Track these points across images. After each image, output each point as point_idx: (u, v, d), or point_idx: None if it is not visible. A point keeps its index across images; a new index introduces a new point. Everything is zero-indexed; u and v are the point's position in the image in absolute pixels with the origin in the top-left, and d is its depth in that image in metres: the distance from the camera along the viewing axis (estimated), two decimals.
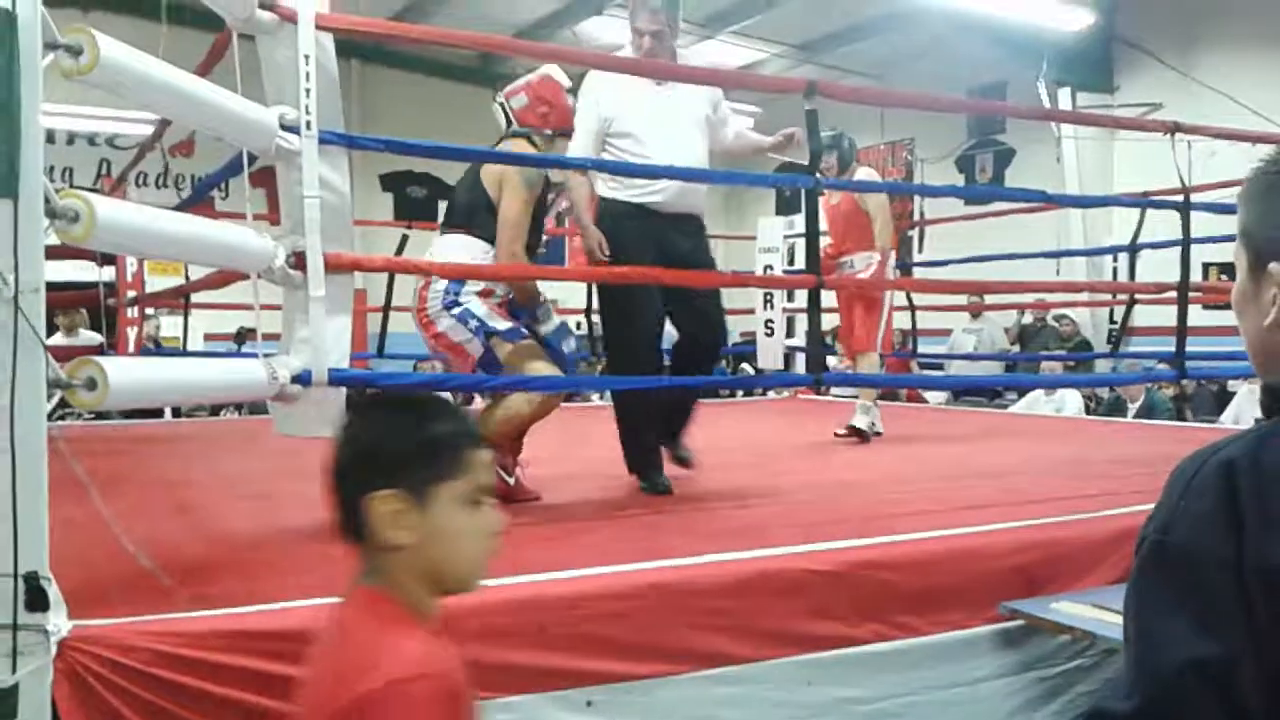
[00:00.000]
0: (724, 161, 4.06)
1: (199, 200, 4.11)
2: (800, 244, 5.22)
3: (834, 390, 8.11)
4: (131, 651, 1.71)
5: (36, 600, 1.63)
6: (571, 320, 13.33)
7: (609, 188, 3.62)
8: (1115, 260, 8.22)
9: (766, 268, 6.75)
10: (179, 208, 3.68)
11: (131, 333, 5.96)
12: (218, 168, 3.14)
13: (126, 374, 1.90)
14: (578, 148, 3.52)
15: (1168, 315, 4.25)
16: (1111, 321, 9.30)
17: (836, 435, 5.14)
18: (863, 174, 5.61)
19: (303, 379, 2.42)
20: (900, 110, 11.44)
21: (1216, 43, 9.82)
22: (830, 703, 2.28)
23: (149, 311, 7.67)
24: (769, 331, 6.63)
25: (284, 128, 2.39)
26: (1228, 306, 1.02)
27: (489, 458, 1.29)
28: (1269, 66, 9.27)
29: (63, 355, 1.80)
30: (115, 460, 4.29)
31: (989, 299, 8.95)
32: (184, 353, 6.77)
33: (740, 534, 2.63)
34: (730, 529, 2.75)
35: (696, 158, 3.55)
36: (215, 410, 7.71)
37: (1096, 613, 2.33)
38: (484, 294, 3.18)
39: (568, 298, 11.42)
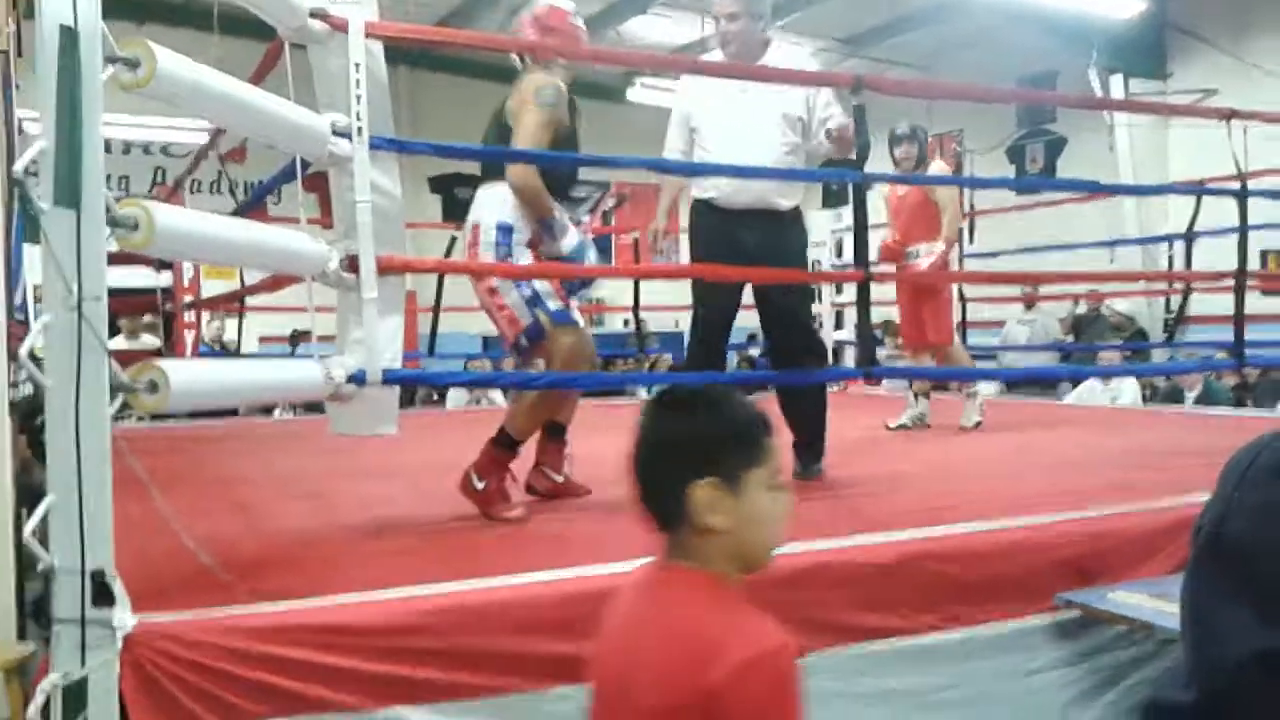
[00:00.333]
0: None
1: (254, 206, 4.18)
2: (848, 237, 5.19)
3: (885, 383, 8.07)
4: (194, 645, 1.75)
5: (103, 596, 1.68)
6: (618, 318, 13.32)
7: (697, 187, 3.75)
8: (1170, 249, 8.08)
9: (814, 261, 6.72)
10: (234, 213, 3.74)
11: (189, 336, 6.07)
12: (269, 174, 3.20)
13: (187, 376, 1.95)
14: (668, 142, 3.78)
15: (1224, 304, 4.18)
16: (1168, 311, 9.16)
17: (888, 428, 5.13)
18: (935, 168, 5.63)
19: (357, 379, 2.46)
20: (949, 101, 11.35)
21: (1271, 26, 9.62)
22: (884, 694, 2.28)
23: (213, 315, 7.82)
24: (818, 326, 6.61)
25: (336, 134, 2.42)
26: None
27: (779, 443, 1.38)
28: None
29: (124, 359, 1.84)
30: (173, 459, 4.38)
31: (1043, 290, 8.84)
32: (239, 354, 6.89)
33: (794, 526, 2.62)
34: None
35: (760, 155, 3.53)
36: (267, 410, 7.84)
37: (1153, 602, 2.30)
38: (531, 245, 3.12)
39: (616, 296, 11.49)
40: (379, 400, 2.57)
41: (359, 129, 2.42)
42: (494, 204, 3.08)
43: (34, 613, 2.46)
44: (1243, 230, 4.06)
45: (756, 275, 3.50)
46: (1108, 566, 2.55)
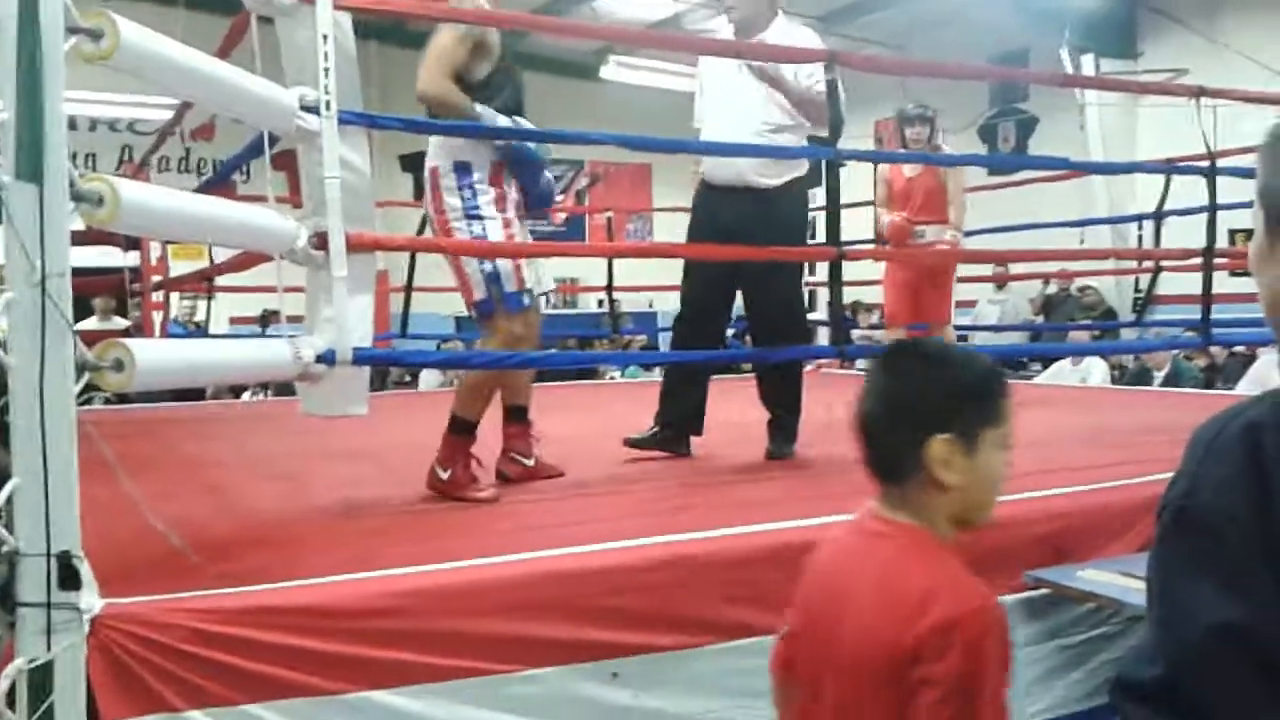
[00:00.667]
0: None
1: (221, 183, 4.13)
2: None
3: (860, 364, 8.10)
4: (162, 628, 1.74)
5: (69, 578, 1.66)
6: (593, 298, 13.29)
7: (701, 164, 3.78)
8: (1140, 228, 8.14)
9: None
10: (200, 190, 3.69)
11: (157, 316, 6.01)
12: (238, 151, 3.16)
13: (153, 355, 1.93)
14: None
15: (1194, 283, 4.21)
16: (1137, 290, 9.23)
17: None
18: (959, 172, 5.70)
19: (327, 358, 2.43)
20: (922, 80, 11.35)
21: (1242, 6, 9.68)
22: None
23: (181, 297, 7.74)
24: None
25: (304, 108, 2.39)
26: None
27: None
28: None
29: (94, 339, 1.82)
30: (143, 443, 4.33)
31: (1013, 269, 8.89)
32: (207, 334, 6.83)
33: (766, 506, 2.63)
34: (757, 500, 2.76)
35: (740, 132, 3.54)
36: (237, 392, 7.79)
37: (1122, 580, 2.32)
38: (495, 184, 3.04)
39: (590, 276, 11.45)
40: (349, 380, 2.55)
41: (327, 103, 2.39)
42: (447, 145, 3.03)
43: None
44: (1211, 209, 4.09)
45: (726, 252, 3.49)
46: (1077, 545, 2.57)
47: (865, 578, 1.33)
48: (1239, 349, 7.70)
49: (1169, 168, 5.01)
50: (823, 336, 7.04)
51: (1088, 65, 10.12)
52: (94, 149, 11.60)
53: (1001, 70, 11.00)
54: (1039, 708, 2.46)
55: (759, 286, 3.64)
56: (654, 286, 8.23)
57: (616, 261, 7.49)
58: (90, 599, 1.70)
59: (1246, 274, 1.01)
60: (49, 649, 1.65)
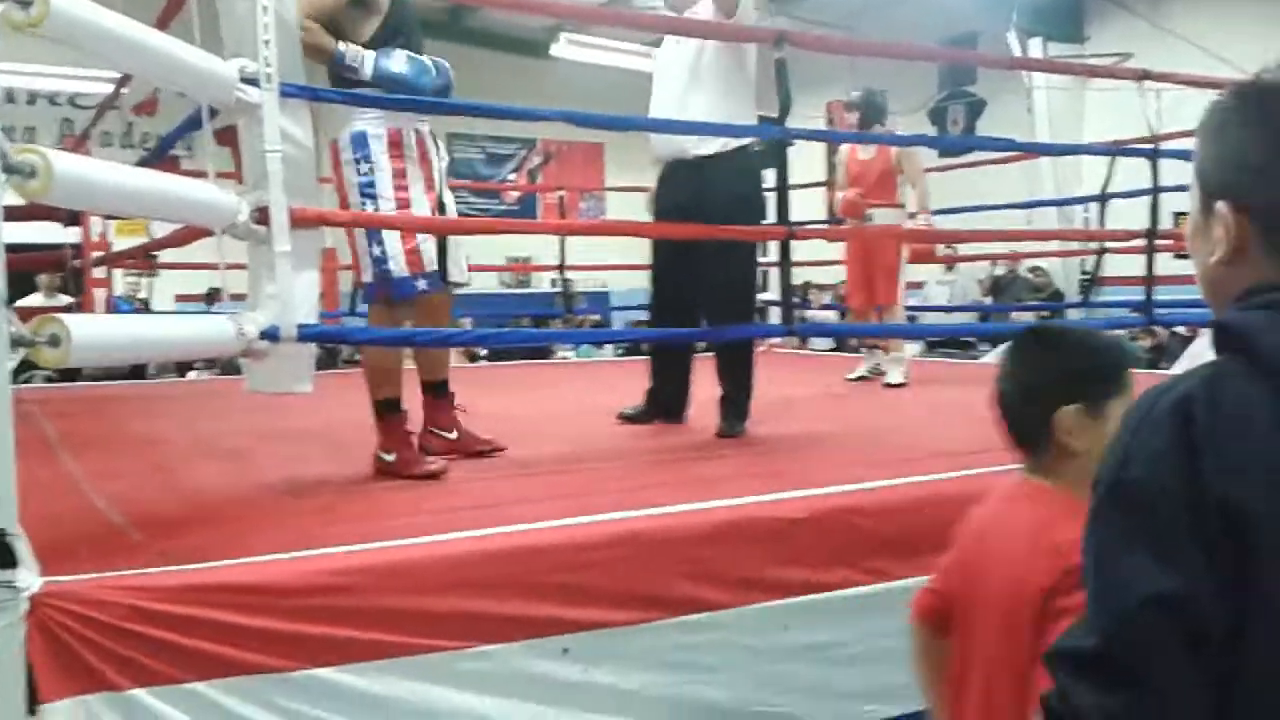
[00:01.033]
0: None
1: (162, 157, 4.05)
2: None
3: (812, 343, 8.16)
4: (103, 606, 1.71)
5: (5, 557, 1.63)
6: (545, 277, 13.27)
7: None
8: (1086, 210, 8.25)
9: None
10: (141, 164, 3.62)
11: (100, 294, 5.90)
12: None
13: (90, 330, 1.89)
14: None
15: (1139, 265, 4.28)
16: (1084, 272, 9.36)
17: (847, 379, 5.56)
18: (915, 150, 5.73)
19: (271, 334, 2.40)
20: (871, 62, 11.37)
21: None
22: (806, 647, 2.31)
23: (126, 274, 7.61)
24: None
25: (244, 80, 2.35)
26: None
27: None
28: (1239, 16, 9.28)
29: (37, 315, 1.78)
30: (86, 421, 4.26)
31: (962, 250, 8.99)
32: (149, 311, 6.73)
33: (714, 483, 2.64)
34: (704, 478, 2.77)
35: (681, 107, 3.56)
36: (182, 370, 7.68)
37: None
38: (395, 157, 2.89)
39: (542, 255, 11.40)
40: (294, 357, 2.52)
41: (268, 75, 2.35)
42: (344, 115, 2.88)
43: None
44: (1154, 191, 4.15)
45: (676, 230, 3.49)
46: None
47: (1017, 534, 1.49)
48: (1180, 330, 7.84)
49: (1113, 150, 5.08)
50: (775, 316, 7.06)
51: (1035, 49, 10.23)
52: (33, 123, 11.36)
53: (950, 52, 11.10)
54: None
55: (705, 262, 3.60)
56: (607, 266, 8.22)
57: (570, 241, 7.46)
58: (28, 577, 1.67)
59: (1189, 256, 1.03)
60: None
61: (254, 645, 1.80)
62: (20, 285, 6.50)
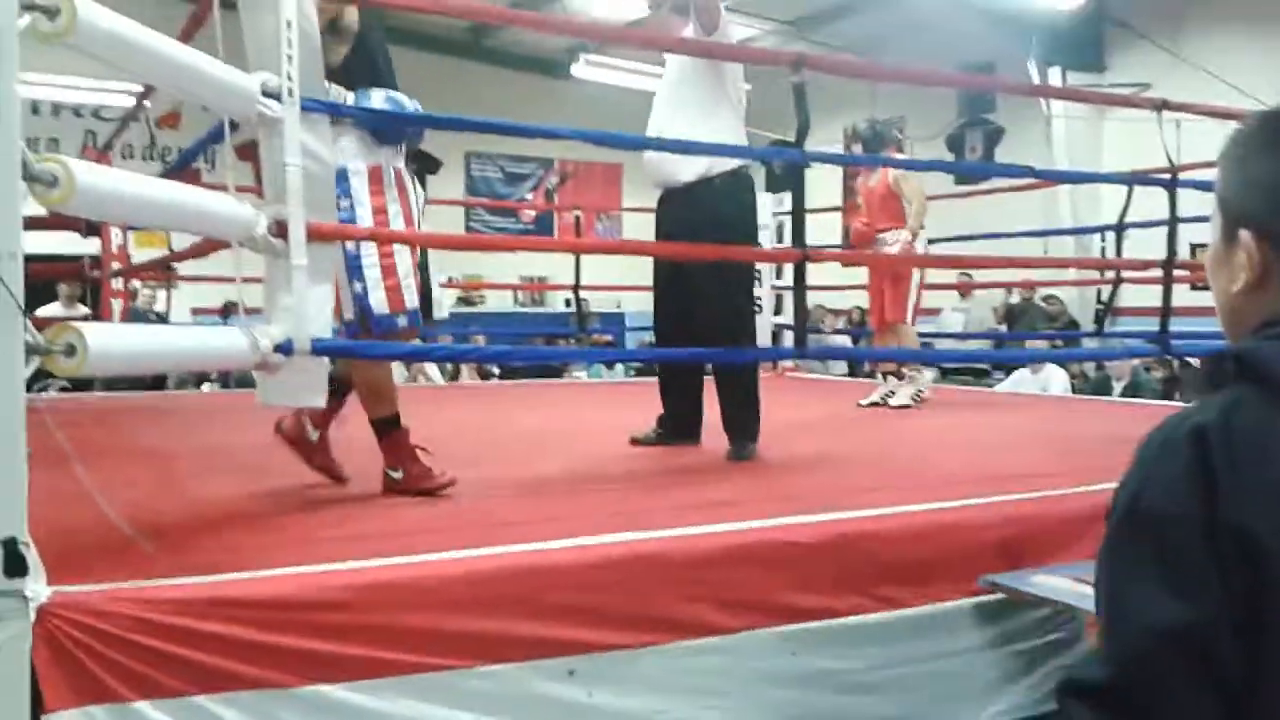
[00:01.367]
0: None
1: (182, 168, 4.08)
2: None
3: (830, 368, 8.15)
4: (111, 617, 1.70)
5: (14, 565, 1.62)
6: (560, 297, 13.29)
7: None
8: (1103, 239, 8.24)
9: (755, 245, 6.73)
10: (163, 177, 3.64)
11: (117, 304, 5.93)
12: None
13: (106, 340, 1.89)
14: None
15: (1156, 296, 4.27)
16: (1099, 302, 9.33)
17: (859, 405, 5.60)
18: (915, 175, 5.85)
19: (285, 348, 2.40)
20: (891, 88, 11.41)
21: (1206, 23, 9.82)
22: (813, 674, 2.29)
23: (143, 285, 7.66)
24: (757, 309, 6.63)
25: (266, 94, 2.36)
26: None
27: None
28: (1258, 47, 9.27)
29: (55, 324, 1.78)
30: (100, 431, 4.28)
31: (977, 277, 8.98)
32: (166, 323, 6.76)
33: (723, 506, 2.63)
34: (713, 501, 2.76)
35: (665, 128, 3.58)
36: (198, 382, 7.71)
37: (1076, 585, 2.34)
38: (375, 194, 2.82)
39: (555, 273, 11.42)
40: (308, 370, 2.52)
41: (289, 90, 2.36)
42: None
43: None
44: (1172, 221, 4.14)
45: (690, 250, 3.49)
46: (1032, 550, 2.58)
47: None
48: (1194, 362, 7.80)
49: (1131, 178, 5.06)
50: (789, 339, 7.06)
51: (1054, 78, 10.24)
52: (57, 134, 11.46)
53: (969, 78, 11.10)
54: (995, 710, 2.48)
55: (696, 285, 3.64)
56: (620, 286, 8.22)
57: (585, 261, 7.48)
58: (37, 586, 1.66)
59: (1207, 287, 1.02)
60: None
61: (260, 660, 1.80)
62: (40, 294, 6.55)
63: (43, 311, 6.59)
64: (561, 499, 2.89)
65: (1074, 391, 7.72)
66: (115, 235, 6.00)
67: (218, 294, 8.92)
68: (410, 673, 1.91)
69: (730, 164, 3.61)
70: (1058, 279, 8.44)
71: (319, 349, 2.48)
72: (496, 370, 8.85)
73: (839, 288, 6.75)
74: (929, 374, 7.19)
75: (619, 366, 10.13)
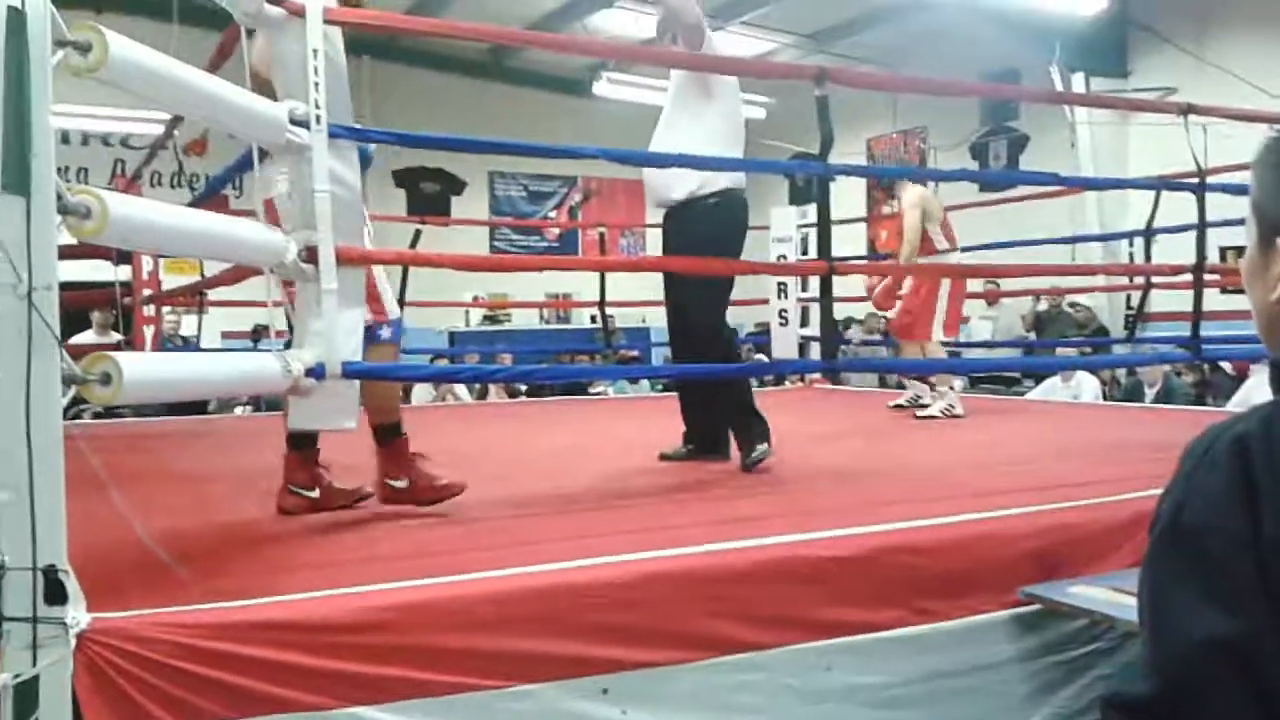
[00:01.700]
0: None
1: (211, 196, 4.12)
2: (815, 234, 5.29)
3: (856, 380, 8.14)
4: (150, 643, 1.72)
5: (55, 593, 1.64)
6: (585, 313, 13.29)
7: None
8: (1131, 245, 8.17)
9: (780, 257, 6.74)
10: (192, 204, 3.68)
11: (148, 331, 5.99)
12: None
13: (141, 369, 1.91)
14: None
15: (1185, 301, 4.23)
16: (1129, 308, 9.26)
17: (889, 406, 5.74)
18: (913, 195, 5.87)
19: (316, 372, 2.42)
20: (913, 98, 11.40)
21: (1231, 26, 9.75)
22: (849, 688, 2.28)
23: (168, 310, 7.73)
24: (783, 321, 6.62)
25: (294, 122, 2.39)
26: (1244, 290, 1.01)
27: None
28: None
29: (88, 352, 1.81)
30: (134, 457, 4.31)
31: (1005, 285, 8.93)
32: (198, 348, 6.83)
33: (757, 521, 2.63)
34: (746, 516, 2.75)
35: (660, 149, 3.63)
36: (228, 406, 7.78)
37: (1114, 596, 2.32)
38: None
39: (580, 290, 11.45)
40: (339, 394, 2.54)
41: (317, 117, 2.39)
42: (282, 172, 2.67)
43: None
44: (1201, 226, 4.11)
45: (715, 267, 3.50)
46: (1070, 560, 2.56)
47: None
48: (1226, 366, 7.73)
49: (1158, 183, 5.03)
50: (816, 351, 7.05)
51: (1078, 84, 10.19)
52: (86, 164, 11.62)
53: (991, 87, 11.07)
54: None
55: (678, 302, 3.73)
56: (645, 302, 8.23)
57: (610, 277, 7.49)
58: (76, 613, 1.68)
59: (1238, 291, 1.01)
60: (34, 664, 1.63)
61: (297, 683, 1.81)
62: (73, 322, 6.63)
63: (77, 339, 6.67)
64: (592, 516, 2.89)
65: (1105, 398, 7.65)
66: (146, 262, 6.07)
67: (248, 317, 9.00)
68: (446, 693, 1.92)
69: (720, 183, 3.62)
70: (1087, 285, 8.37)
71: (350, 372, 2.50)
72: (524, 388, 8.87)
73: (864, 299, 6.74)
74: (958, 384, 7.25)
75: (644, 381, 10.14)
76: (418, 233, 6.71)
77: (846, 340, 8.97)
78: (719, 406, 3.75)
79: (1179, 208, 4.69)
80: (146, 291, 5.96)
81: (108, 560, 2.20)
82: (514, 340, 12.90)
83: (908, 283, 5.80)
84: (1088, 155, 10.25)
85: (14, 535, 1.63)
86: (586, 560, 2.18)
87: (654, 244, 14.22)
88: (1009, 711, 2.44)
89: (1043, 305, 10.11)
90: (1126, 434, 4.67)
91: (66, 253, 1.79)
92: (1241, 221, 0.99)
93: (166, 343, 7.58)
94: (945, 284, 5.71)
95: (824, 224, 3.42)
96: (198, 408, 6.80)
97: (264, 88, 2.56)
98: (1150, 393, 7.34)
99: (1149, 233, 5.86)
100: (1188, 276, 4.21)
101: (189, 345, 8.57)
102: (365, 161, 2.80)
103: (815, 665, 2.25)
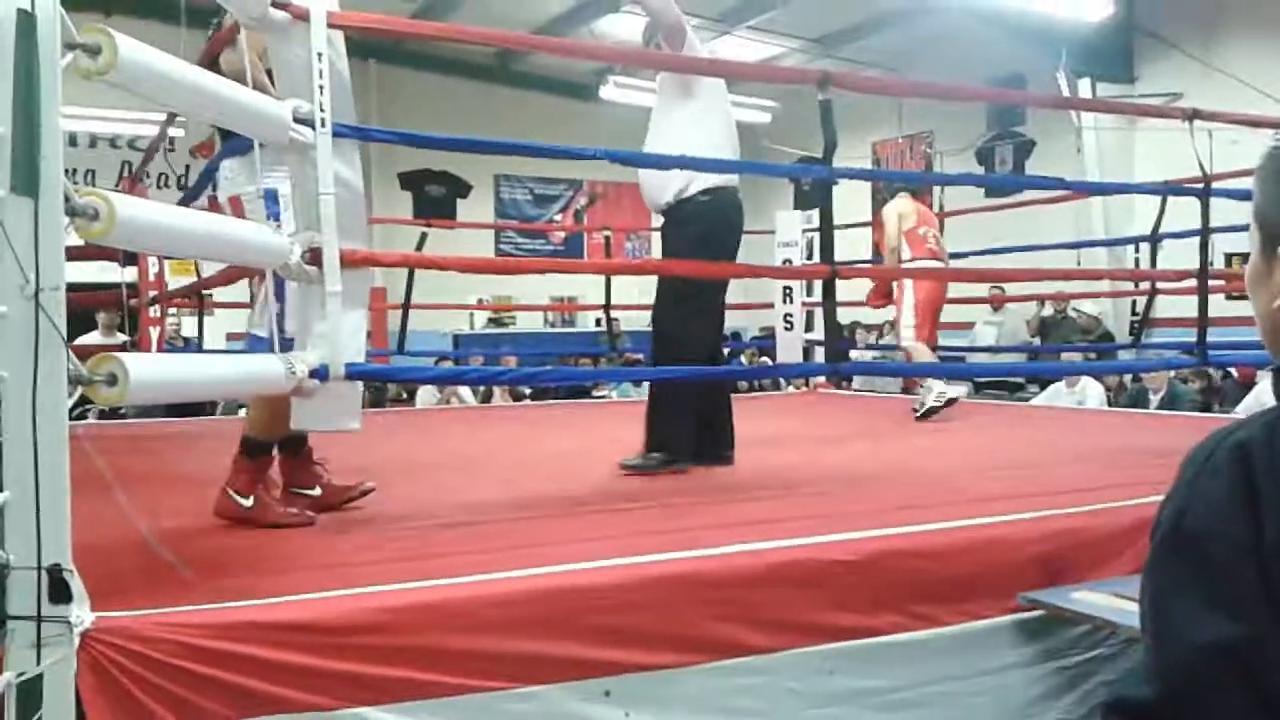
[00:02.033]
0: (740, 153, 4.06)
1: (195, 198, 4.11)
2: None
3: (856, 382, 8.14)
4: (153, 643, 1.72)
5: (59, 592, 1.65)
6: (591, 317, 13.30)
7: None
8: (1137, 251, 8.17)
9: (785, 261, 6.75)
10: (185, 199, 3.70)
11: (154, 332, 6.01)
12: None
13: (146, 369, 1.92)
14: None
15: (1190, 307, 4.23)
16: (1134, 314, 9.26)
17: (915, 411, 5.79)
18: (889, 206, 6.13)
19: (320, 373, 2.43)
20: (919, 103, 11.40)
21: (1238, 31, 9.75)
22: (851, 693, 2.28)
23: (171, 311, 7.76)
24: (788, 326, 6.63)
25: (298, 120, 2.40)
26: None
27: None
28: None
29: (94, 353, 1.82)
30: (138, 458, 4.33)
31: (1010, 290, 8.92)
32: (198, 349, 6.85)
33: (760, 524, 2.63)
34: (749, 519, 2.75)
35: (649, 149, 3.66)
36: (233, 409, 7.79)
37: (1116, 601, 2.32)
38: None
39: (586, 293, 11.46)
40: (343, 395, 2.54)
41: (322, 119, 2.39)
42: (249, 168, 2.71)
43: None
44: (1205, 231, 4.10)
45: (721, 270, 3.50)
46: (1071, 566, 2.56)
47: None
48: (1234, 372, 7.71)
49: (1163, 189, 5.02)
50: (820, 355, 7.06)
51: (1084, 89, 10.18)
52: (94, 165, 11.64)
53: (997, 92, 11.06)
54: None
55: (653, 316, 3.79)
56: (650, 305, 8.23)
57: (615, 280, 7.50)
58: (81, 613, 1.69)
59: (1243, 297, 1.01)
60: (38, 662, 1.64)
61: (301, 684, 1.81)
62: (78, 323, 6.65)
63: (82, 340, 6.68)
64: (595, 518, 2.89)
65: (1110, 404, 7.64)
66: (152, 263, 6.09)
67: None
68: (449, 695, 1.92)
69: (708, 182, 3.61)
70: (1092, 290, 8.37)
71: (353, 374, 2.51)
72: (528, 391, 8.88)
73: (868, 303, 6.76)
74: (959, 389, 7.39)
75: (647, 385, 10.14)
76: (423, 235, 6.74)
77: (852, 344, 8.98)
78: (653, 404, 3.75)
79: (1185, 213, 4.69)
80: (152, 293, 5.98)
81: (112, 560, 2.22)
82: (518, 343, 12.91)
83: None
84: (1093, 160, 10.24)
85: (19, 534, 1.64)
86: (590, 563, 2.19)
87: (659, 247, 14.27)
88: (1011, 717, 2.44)
89: (1048, 310, 10.10)
90: (1130, 440, 4.66)
91: (74, 254, 1.80)
92: (1247, 227, 0.99)
93: (167, 344, 7.60)
94: (909, 287, 5.86)
95: (827, 228, 3.42)
96: (197, 409, 6.81)
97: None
98: (1155, 399, 7.33)
99: (1154, 238, 5.86)
100: (1193, 282, 4.21)
101: (189, 346, 8.60)
102: None
103: (818, 669, 2.25)
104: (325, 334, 2.44)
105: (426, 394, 8.52)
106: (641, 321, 12.46)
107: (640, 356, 11.30)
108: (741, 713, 2.17)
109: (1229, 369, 7.57)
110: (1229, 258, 6.74)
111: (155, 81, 2.02)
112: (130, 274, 6.09)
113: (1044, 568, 2.53)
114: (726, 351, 5.80)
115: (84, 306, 6.76)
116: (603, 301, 7.51)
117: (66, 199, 1.71)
